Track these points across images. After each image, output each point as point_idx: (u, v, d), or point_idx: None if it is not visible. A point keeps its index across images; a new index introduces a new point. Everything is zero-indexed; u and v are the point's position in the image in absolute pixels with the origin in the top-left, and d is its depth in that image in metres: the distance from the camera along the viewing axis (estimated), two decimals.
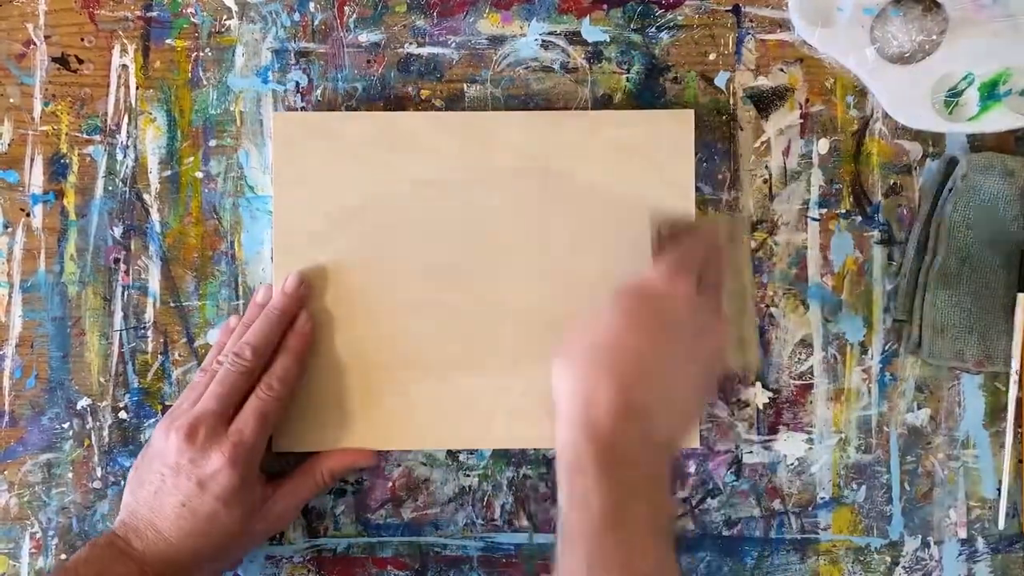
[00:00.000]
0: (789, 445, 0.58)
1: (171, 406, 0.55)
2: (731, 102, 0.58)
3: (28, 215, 0.58)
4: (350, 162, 0.56)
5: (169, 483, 0.50)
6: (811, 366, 0.58)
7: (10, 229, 0.58)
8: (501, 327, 0.56)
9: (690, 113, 0.56)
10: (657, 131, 0.56)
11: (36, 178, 0.58)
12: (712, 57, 0.58)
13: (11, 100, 0.58)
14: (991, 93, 0.57)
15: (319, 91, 0.58)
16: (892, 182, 0.58)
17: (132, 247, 0.58)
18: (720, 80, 0.58)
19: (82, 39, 0.58)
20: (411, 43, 0.58)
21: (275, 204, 0.56)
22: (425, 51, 0.58)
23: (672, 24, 0.58)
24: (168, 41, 0.58)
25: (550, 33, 0.58)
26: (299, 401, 0.55)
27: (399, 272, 0.56)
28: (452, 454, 0.58)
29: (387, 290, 0.56)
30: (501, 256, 0.56)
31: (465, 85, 0.58)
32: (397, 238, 0.56)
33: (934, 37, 0.56)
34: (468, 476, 0.57)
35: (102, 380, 0.57)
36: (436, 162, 0.56)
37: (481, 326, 0.56)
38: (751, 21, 0.58)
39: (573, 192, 0.56)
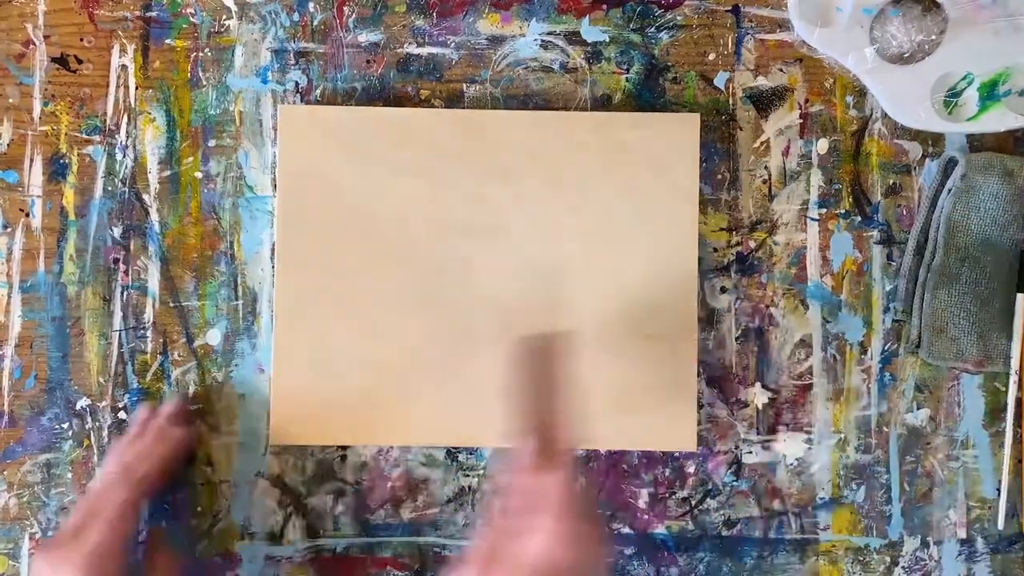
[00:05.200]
0: (788, 445, 0.58)
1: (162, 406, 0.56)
2: (730, 102, 0.58)
3: (28, 215, 0.58)
4: (354, 156, 0.56)
5: None
6: (810, 366, 0.58)
7: (9, 229, 0.58)
8: (503, 324, 0.56)
9: (695, 117, 0.56)
10: (662, 134, 0.56)
11: (36, 178, 0.58)
12: (712, 57, 0.58)
13: (10, 100, 0.58)
14: (991, 93, 0.57)
15: (318, 91, 0.58)
16: (892, 182, 0.58)
17: (131, 247, 0.58)
18: (719, 80, 0.58)
19: (81, 39, 0.58)
20: (411, 43, 0.58)
21: (278, 196, 0.56)
22: (424, 51, 0.58)
23: (671, 24, 0.58)
24: (167, 41, 0.58)
25: (549, 33, 0.58)
26: (300, 397, 0.56)
27: (401, 268, 0.56)
28: (451, 454, 0.58)
29: (389, 285, 0.56)
30: (505, 254, 0.56)
31: (464, 85, 0.58)
32: (400, 234, 0.56)
33: (933, 37, 0.56)
34: (468, 476, 0.57)
35: (101, 380, 0.57)
36: (441, 159, 0.56)
37: (483, 323, 0.56)
38: (750, 21, 0.58)
39: (577, 192, 0.56)
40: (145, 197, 0.58)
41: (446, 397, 0.56)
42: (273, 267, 0.57)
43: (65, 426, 0.57)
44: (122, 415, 0.57)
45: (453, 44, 0.58)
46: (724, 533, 0.57)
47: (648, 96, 0.58)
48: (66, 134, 0.58)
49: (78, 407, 0.57)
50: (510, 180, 0.56)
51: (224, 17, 0.58)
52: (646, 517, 0.57)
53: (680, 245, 0.56)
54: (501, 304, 0.56)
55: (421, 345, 0.56)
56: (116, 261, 0.58)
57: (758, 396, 0.58)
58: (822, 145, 0.58)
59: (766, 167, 0.58)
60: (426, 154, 0.56)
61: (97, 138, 0.58)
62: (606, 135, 0.56)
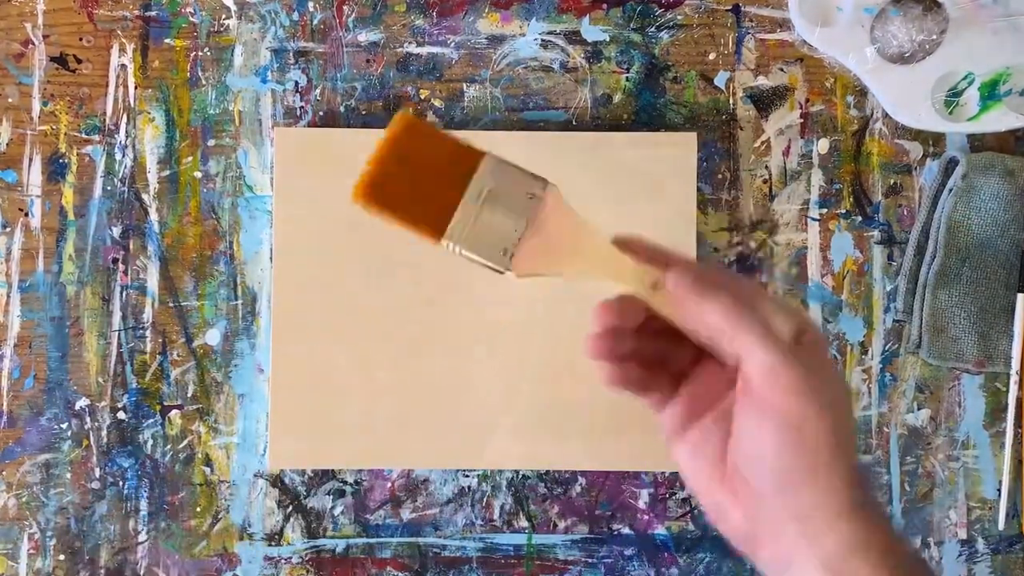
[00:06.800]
0: None
1: (169, 407, 0.56)
2: (731, 102, 0.58)
3: (27, 215, 0.58)
4: (351, 178, 0.56)
5: None
6: None
7: (8, 229, 0.58)
8: (499, 345, 0.56)
9: (693, 136, 0.56)
10: (659, 153, 0.56)
11: (35, 178, 0.58)
12: (712, 57, 0.58)
13: (9, 100, 0.58)
14: (991, 93, 0.56)
15: (318, 91, 0.58)
16: (892, 182, 0.58)
17: (131, 247, 0.58)
18: (720, 80, 0.58)
19: (81, 39, 0.58)
20: (410, 42, 0.58)
21: (275, 220, 0.56)
22: (424, 50, 0.58)
23: (672, 24, 0.58)
24: (167, 41, 0.58)
25: (549, 32, 0.58)
26: (296, 418, 0.55)
27: (397, 290, 0.56)
28: None
29: (385, 308, 0.56)
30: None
31: (464, 85, 0.58)
32: (397, 256, 0.56)
33: (934, 37, 0.56)
34: (467, 477, 0.57)
35: (100, 380, 0.57)
36: None
37: (479, 344, 0.56)
38: (751, 21, 0.58)
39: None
40: (144, 197, 0.58)
41: (445, 419, 0.56)
42: (272, 265, 0.56)
43: (64, 426, 0.57)
44: (121, 415, 0.57)
45: (453, 43, 0.58)
46: None
47: (648, 96, 0.58)
48: (65, 134, 0.58)
49: (77, 407, 0.57)
50: None
51: (223, 16, 0.58)
52: (646, 517, 0.57)
53: None
54: (499, 326, 0.56)
55: (420, 368, 0.56)
56: (115, 261, 0.58)
57: None
58: (823, 145, 0.58)
59: (766, 167, 0.58)
60: None
61: (96, 138, 0.58)
62: (603, 155, 0.56)
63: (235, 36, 0.58)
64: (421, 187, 0.40)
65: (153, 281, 0.58)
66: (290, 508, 0.57)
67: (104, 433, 0.57)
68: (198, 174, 0.58)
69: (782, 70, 0.58)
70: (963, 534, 0.57)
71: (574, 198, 0.56)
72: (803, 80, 0.58)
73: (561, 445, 0.56)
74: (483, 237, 0.40)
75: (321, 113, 0.58)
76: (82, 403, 0.57)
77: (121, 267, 0.58)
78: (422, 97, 0.58)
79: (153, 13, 0.58)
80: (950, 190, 0.56)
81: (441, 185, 0.40)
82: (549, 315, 0.56)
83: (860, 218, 0.58)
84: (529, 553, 0.57)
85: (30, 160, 0.58)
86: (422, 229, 0.40)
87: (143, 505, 0.57)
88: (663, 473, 0.57)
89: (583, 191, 0.56)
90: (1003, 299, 0.57)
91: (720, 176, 0.58)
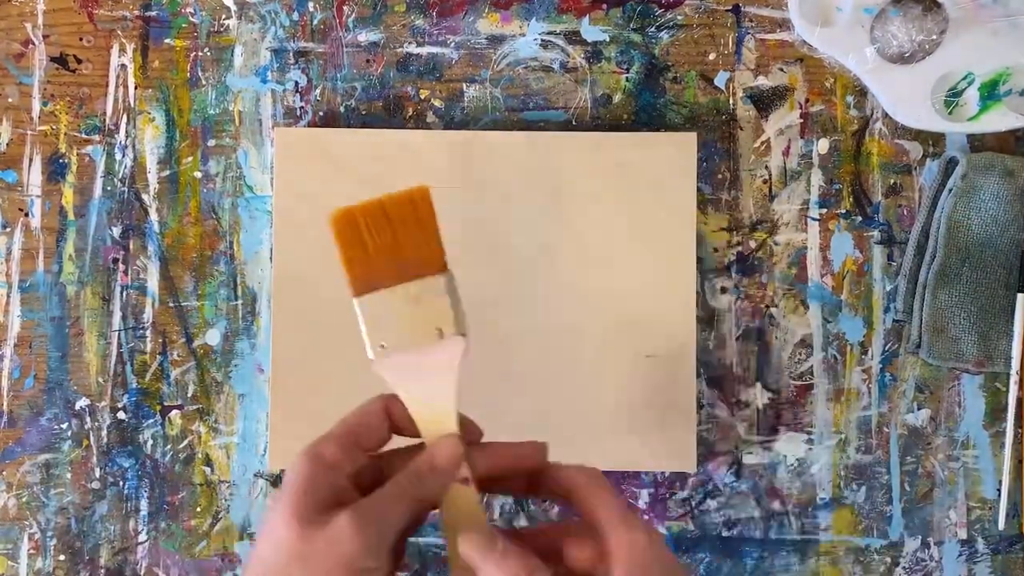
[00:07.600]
0: (789, 446, 0.57)
1: (169, 407, 0.56)
2: (731, 102, 0.58)
3: (27, 215, 0.58)
4: (351, 179, 0.56)
5: None
6: (811, 366, 0.58)
7: (8, 229, 0.58)
8: (500, 344, 0.56)
9: (692, 136, 0.56)
10: (659, 153, 0.56)
11: (35, 178, 0.58)
12: (712, 57, 0.58)
13: (10, 100, 0.58)
14: (991, 93, 0.56)
15: (318, 91, 0.58)
16: (892, 182, 0.58)
17: (131, 247, 0.58)
18: (720, 80, 0.58)
19: (81, 39, 0.58)
20: (410, 43, 0.58)
21: (275, 220, 0.56)
22: (424, 51, 0.58)
23: (672, 24, 0.58)
24: (167, 41, 0.58)
25: (549, 33, 0.58)
26: (299, 416, 0.55)
27: None
28: None
29: None
30: (501, 274, 0.56)
31: (464, 85, 0.58)
32: None
33: (934, 37, 0.55)
34: None
35: (101, 380, 0.57)
36: (438, 179, 0.56)
37: (481, 343, 0.56)
38: (751, 21, 0.58)
39: (574, 211, 0.56)
40: (144, 197, 0.58)
41: None
42: (272, 265, 0.56)
43: (64, 426, 0.57)
44: (121, 415, 0.57)
45: (453, 44, 0.58)
46: (724, 534, 0.57)
47: (648, 96, 0.58)
48: (65, 134, 0.58)
49: (77, 407, 0.57)
50: (508, 201, 0.56)
51: (223, 17, 0.58)
52: (646, 517, 0.57)
53: (678, 264, 0.56)
54: (499, 327, 0.56)
55: None
56: (115, 261, 0.58)
57: (758, 396, 0.58)
58: (822, 145, 0.58)
59: (766, 167, 0.58)
60: (424, 176, 0.56)
61: (96, 138, 0.58)
62: (604, 155, 0.56)
63: (235, 36, 0.58)
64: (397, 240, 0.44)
65: (153, 281, 0.58)
66: None
67: (104, 433, 0.57)
68: (198, 174, 0.58)
69: (782, 70, 0.58)
70: (963, 534, 0.57)
71: (574, 198, 0.57)
72: (803, 80, 0.58)
73: (561, 445, 0.56)
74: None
75: (321, 113, 0.58)
76: (82, 403, 0.57)
77: (121, 267, 0.58)
78: (422, 97, 0.58)
79: (153, 13, 0.58)
80: (950, 190, 0.56)
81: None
82: (548, 316, 0.56)
83: (860, 218, 0.58)
84: None
85: (30, 160, 0.58)
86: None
87: (143, 505, 0.57)
88: (663, 473, 0.57)
89: (583, 191, 0.56)
90: (1003, 299, 0.57)
91: (720, 176, 0.58)
